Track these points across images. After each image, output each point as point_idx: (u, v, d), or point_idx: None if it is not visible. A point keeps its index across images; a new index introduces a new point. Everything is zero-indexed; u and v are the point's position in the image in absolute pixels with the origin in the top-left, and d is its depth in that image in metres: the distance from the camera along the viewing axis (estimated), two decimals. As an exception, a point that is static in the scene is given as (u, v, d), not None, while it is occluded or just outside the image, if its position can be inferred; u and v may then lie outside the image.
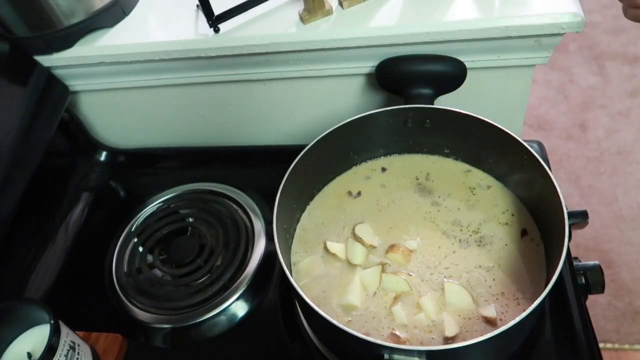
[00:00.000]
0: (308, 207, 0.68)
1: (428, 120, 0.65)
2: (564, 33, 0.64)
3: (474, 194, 0.66)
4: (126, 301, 0.70)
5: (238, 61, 0.73)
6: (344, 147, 0.68)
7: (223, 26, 0.70)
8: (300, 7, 0.70)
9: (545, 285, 0.48)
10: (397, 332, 0.55)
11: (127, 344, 0.67)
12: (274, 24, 0.70)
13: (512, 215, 0.64)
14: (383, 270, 0.60)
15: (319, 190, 0.69)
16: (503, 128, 0.60)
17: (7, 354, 0.58)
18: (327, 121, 0.65)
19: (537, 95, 1.91)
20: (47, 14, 0.70)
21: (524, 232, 0.62)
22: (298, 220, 0.67)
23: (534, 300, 0.47)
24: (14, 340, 0.59)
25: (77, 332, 0.61)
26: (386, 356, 0.46)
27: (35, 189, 0.72)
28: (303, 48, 0.69)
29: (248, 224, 0.75)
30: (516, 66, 0.71)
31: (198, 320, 0.66)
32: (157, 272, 0.72)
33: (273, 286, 0.69)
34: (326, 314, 0.48)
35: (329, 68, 0.74)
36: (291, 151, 0.62)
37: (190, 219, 0.77)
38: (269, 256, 0.71)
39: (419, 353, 0.45)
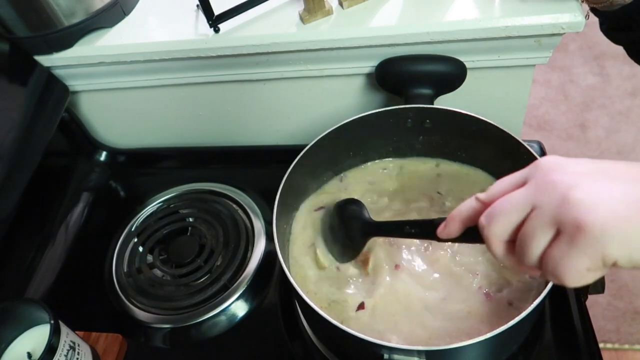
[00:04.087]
0: (308, 207, 0.68)
1: (428, 120, 0.65)
2: (564, 33, 0.64)
3: (473, 195, 0.66)
4: (126, 301, 0.70)
5: (238, 61, 0.73)
6: (343, 147, 0.68)
7: (223, 26, 0.70)
8: (300, 7, 0.70)
9: (545, 286, 0.47)
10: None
11: (127, 344, 0.67)
12: (274, 24, 0.70)
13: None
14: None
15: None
16: (503, 128, 0.60)
17: (7, 354, 0.58)
18: (327, 121, 0.64)
19: (537, 95, 1.90)
20: (47, 14, 0.70)
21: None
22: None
23: (534, 301, 0.47)
24: (14, 340, 0.59)
25: (77, 332, 0.61)
26: (386, 356, 0.46)
27: (35, 189, 0.72)
28: (303, 48, 0.69)
29: (248, 224, 0.75)
30: (516, 66, 0.71)
31: (198, 320, 0.66)
32: (157, 272, 0.72)
33: (273, 286, 0.69)
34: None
35: (329, 68, 0.74)
36: (291, 151, 0.62)
37: (190, 219, 0.77)
38: (269, 256, 0.71)
39: (419, 353, 0.45)
